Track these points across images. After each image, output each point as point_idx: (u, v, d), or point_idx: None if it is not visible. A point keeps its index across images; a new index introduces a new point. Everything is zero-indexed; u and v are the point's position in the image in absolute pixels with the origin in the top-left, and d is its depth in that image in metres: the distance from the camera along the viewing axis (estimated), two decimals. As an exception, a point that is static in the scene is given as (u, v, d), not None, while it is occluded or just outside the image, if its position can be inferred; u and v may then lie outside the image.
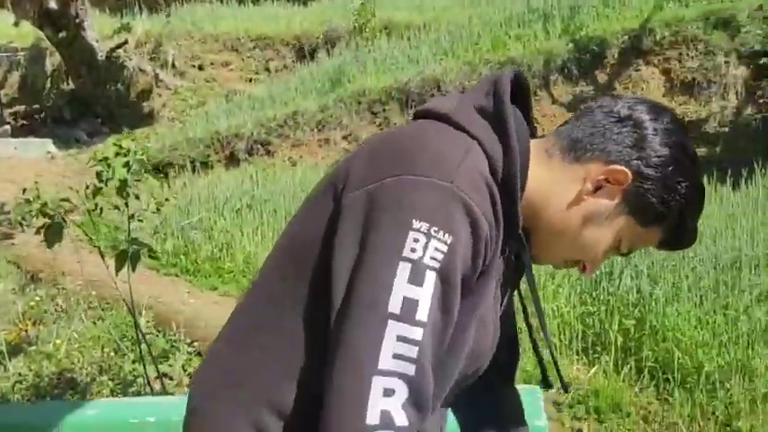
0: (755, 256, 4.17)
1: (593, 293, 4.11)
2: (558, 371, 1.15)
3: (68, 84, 12.19)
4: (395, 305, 0.84)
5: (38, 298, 4.94)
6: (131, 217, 3.02)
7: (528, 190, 0.98)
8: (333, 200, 0.93)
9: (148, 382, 3.35)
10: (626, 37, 9.03)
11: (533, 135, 1.06)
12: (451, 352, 0.93)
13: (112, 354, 4.02)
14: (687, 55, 8.79)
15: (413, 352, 0.84)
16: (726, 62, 8.58)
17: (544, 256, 1.05)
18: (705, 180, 6.26)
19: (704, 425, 3.26)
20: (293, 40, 12.78)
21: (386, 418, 0.83)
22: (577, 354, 3.88)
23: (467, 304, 0.92)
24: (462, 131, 0.95)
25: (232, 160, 9.60)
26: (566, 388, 1.25)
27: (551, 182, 0.99)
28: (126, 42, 11.96)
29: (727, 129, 8.24)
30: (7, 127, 11.40)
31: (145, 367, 3.37)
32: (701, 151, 7.88)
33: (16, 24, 12.88)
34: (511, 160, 0.94)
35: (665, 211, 0.98)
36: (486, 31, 10.17)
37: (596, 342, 3.89)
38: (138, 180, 2.84)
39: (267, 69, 12.74)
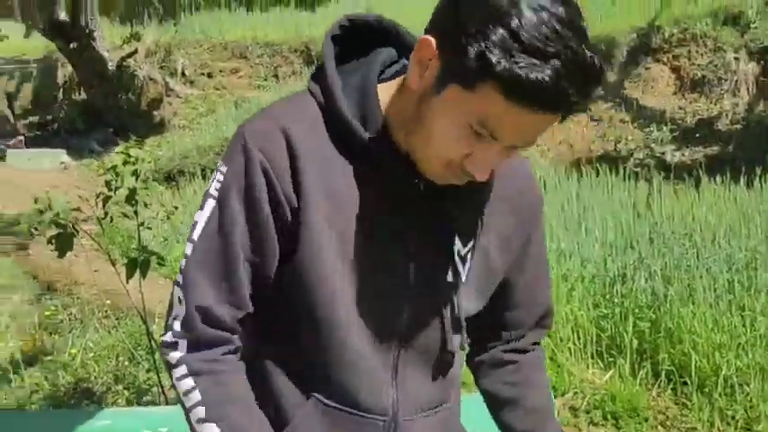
0: (771, 256, 4.11)
1: (607, 296, 4.07)
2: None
3: (80, 94, 12.28)
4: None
5: (53, 308, 4.96)
6: (141, 225, 3.04)
7: (391, 120, 1.02)
8: None
9: (163, 392, 3.35)
10: (634, 35, 8.98)
11: None
12: (296, 278, 1.01)
13: (127, 363, 4.02)
14: (696, 52, 8.74)
15: (182, 264, 1.02)
16: (736, 58, 8.52)
17: (426, 168, 1.00)
18: (718, 179, 6.23)
19: (724, 429, 3.21)
20: (301, 46, 12.82)
21: (172, 322, 1.02)
22: (592, 357, 3.84)
23: (289, 233, 1.00)
24: (306, 90, 1.07)
25: (243, 167, 9.62)
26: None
27: (403, 98, 1.01)
28: (136, 52, 12.03)
29: (739, 126, 8.17)
30: (21, 138, 11.50)
31: (159, 376, 3.37)
32: (714, 150, 7.83)
33: (27, 36, 12.99)
34: (335, 105, 1.01)
35: (474, 62, 0.86)
36: (494, 34, 10.14)
37: (611, 345, 3.85)
38: (146, 188, 2.86)
39: (275, 76, 12.78)
